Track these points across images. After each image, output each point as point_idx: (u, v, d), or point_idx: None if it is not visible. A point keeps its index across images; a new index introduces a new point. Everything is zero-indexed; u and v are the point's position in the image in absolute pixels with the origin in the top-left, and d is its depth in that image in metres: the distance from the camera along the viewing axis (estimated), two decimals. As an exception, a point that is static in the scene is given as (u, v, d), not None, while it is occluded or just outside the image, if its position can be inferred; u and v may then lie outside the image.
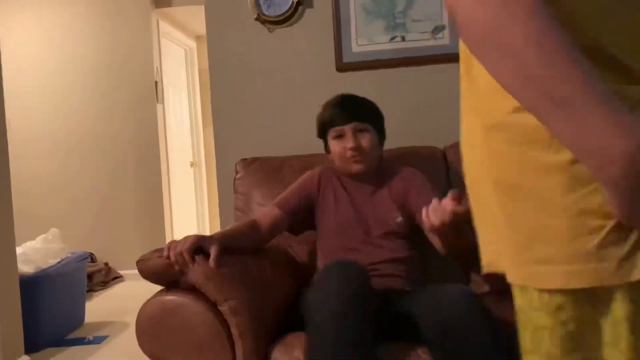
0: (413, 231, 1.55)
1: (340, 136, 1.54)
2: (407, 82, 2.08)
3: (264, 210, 1.60)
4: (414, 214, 1.50)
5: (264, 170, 1.90)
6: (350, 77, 2.09)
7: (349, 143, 1.50)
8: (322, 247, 1.59)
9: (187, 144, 4.85)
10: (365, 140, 1.53)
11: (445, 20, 2.03)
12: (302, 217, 1.59)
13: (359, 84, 2.08)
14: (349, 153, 1.51)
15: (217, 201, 2.23)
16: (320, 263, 1.57)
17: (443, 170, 1.85)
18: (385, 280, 1.42)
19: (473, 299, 1.15)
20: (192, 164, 4.85)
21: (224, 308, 1.23)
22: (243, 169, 1.92)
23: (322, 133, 1.62)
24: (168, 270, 1.26)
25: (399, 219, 1.52)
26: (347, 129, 1.52)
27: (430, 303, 1.19)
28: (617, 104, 0.46)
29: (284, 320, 1.39)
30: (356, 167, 1.53)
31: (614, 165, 0.45)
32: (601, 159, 0.46)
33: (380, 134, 1.61)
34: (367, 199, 1.57)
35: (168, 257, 1.25)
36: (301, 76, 2.12)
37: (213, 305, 1.24)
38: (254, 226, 1.50)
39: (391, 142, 1.89)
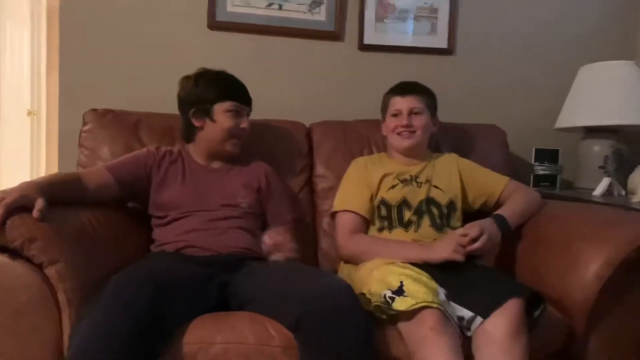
0: (261, 208, 1.58)
1: (237, 114, 1.54)
2: (278, 53, 2.05)
3: (93, 169, 1.48)
4: (263, 198, 1.58)
5: (118, 125, 1.71)
6: (221, 37, 1.99)
7: (244, 123, 1.55)
8: (157, 230, 1.48)
9: (26, 89, 4.26)
10: (247, 121, 1.58)
11: (324, -4, 2.03)
12: (133, 191, 1.49)
13: (229, 46, 2.00)
14: (240, 132, 1.54)
15: (56, 156, 1.98)
16: (157, 244, 1.46)
17: (305, 147, 1.86)
18: (230, 252, 1.39)
19: (353, 292, 1.13)
20: (29, 113, 4.28)
21: (50, 271, 1.08)
22: (93, 121, 1.71)
23: (210, 101, 1.52)
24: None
25: (243, 203, 1.51)
26: (245, 110, 1.57)
27: (309, 289, 1.12)
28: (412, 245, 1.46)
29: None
30: (235, 149, 1.56)
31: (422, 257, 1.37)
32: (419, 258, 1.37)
33: None
34: (213, 183, 1.52)
35: None
36: (168, 27, 1.96)
37: (38, 268, 1.08)
38: (78, 181, 1.35)
39: (255, 113, 1.84)
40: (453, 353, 1.09)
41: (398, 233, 1.53)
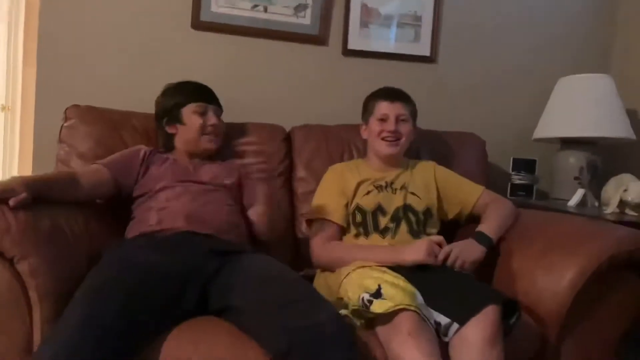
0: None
1: (203, 113, 1.60)
2: (262, 55, 2.04)
3: (89, 167, 1.50)
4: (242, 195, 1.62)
5: (100, 122, 1.68)
6: (204, 37, 1.97)
7: (212, 120, 1.61)
8: (138, 208, 1.48)
9: (0, 84, 4.16)
10: (222, 123, 1.65)
11: (310, 0, 2.03)
12: (125, 186, 1.51)
13: (213, 46, 1.98)
14: (209, 129, 1.60)
15: (30, 153, 1.94)
16: (134, 229, 1.44)
17: (282, 150, 1.85)
18: (209, 234, 1.38)
19: (339, 319, 1.10)
20: (3, 107, 4.17)
21: (22, 267, 1.05)
22: (75, 117, 1.67)
23: (176, 107, 1.60)
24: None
25: (226, 180, 1.56)
26: (211, 107, 1.63)
27: (296, 318, 1.07)
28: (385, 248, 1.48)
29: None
30: (210, 145, 1.61)
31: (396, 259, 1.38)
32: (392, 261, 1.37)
33: None
34: (194, 170, 1.56)
35: None
36: (151, 26, 1.93)
37: (9, 263, 1.05)
38: (73, 179, 1.35)
39: (235, 115, 1.84)
40: (430, 358, 1.09)
41: (375, 239, 1.53)
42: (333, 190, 1.61)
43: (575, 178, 1.97)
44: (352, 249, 1.50)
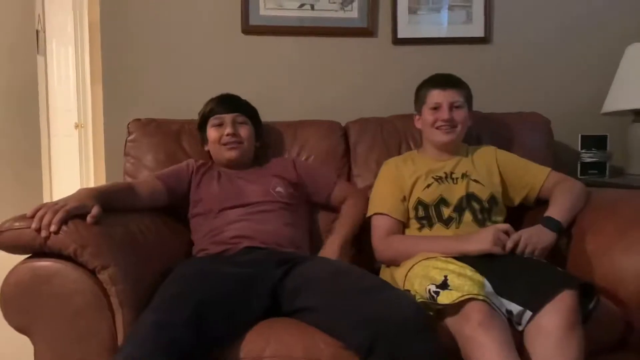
0: (300, 200, 1.63)
1: (219, 124, 1.63)
2: (312, 53, 2.05)
3: (145, 178, 1.59)
4: (302, 185, 1.66)
5: (161, 133, 1.77)
6: (255, 41, 2.01)
7: (227, 129, 1.61)
8: (199, 228, 1.54)
9: (73, 103, 4.45)
10: (244, 129, 1.64)
11: (356, -7, 2.01)
12: (179, 197, 1.57)
13: (263, 49, 2.02)
14: (225, 139, 1.60)
15: (104, 166, 2.05)
16: (197, 246, 1.51)
17: (341, 145, 1.84)
18: (270, 249, 1.41)
19: (418, 305, 1.10)
20: (77, 126, 4.46)
21: (103, 276, 1.12)
22: (137, 131, 1.77)
23: (203, 124, 1.67)
24: (34, 239, 1.10)
25: (279, 188, 1.58)
26: (227, 117, 1.63)
27: (376, 310, 1.06)
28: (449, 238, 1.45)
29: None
30: (230, 154, 1.61)
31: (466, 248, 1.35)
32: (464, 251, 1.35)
33: (258, 128, 1.71)
34: (246, 183, 1.59)
35: (38, 229, 1.10)
36: (203, 35, 2.00)
37: (91, 273, 1.13)
38: (132, 190, 1.43)
39: (291, 115, 1.86)
40: (503, 348, 1.06)
41: (438, 230, 1.50)
42: (388, 185, 1.60)
43: (653, 151, 1.84)
44: (415, 240, 1.48)
